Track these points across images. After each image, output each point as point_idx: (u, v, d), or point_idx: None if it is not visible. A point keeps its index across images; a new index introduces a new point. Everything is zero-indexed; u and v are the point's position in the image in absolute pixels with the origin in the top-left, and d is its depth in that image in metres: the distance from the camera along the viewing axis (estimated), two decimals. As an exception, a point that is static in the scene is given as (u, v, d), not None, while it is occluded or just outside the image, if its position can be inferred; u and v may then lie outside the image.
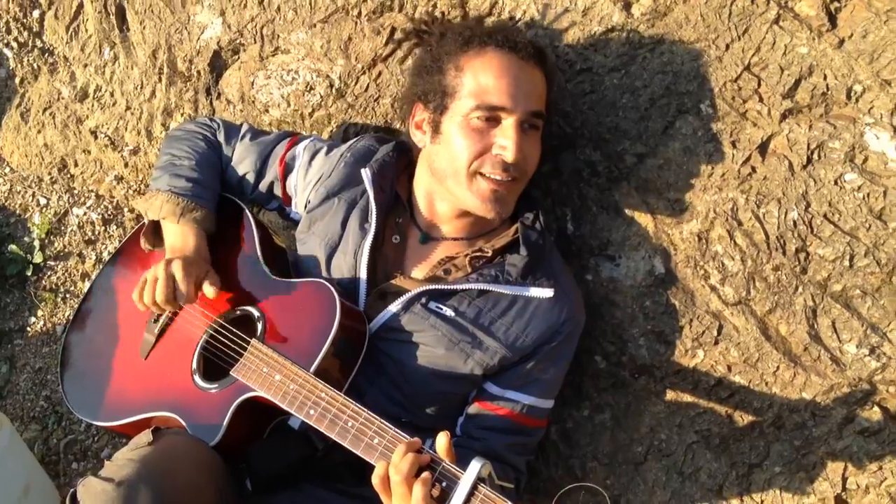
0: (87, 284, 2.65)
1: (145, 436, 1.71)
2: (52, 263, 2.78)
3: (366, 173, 1.89)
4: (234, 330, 1.84)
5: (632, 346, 2.03)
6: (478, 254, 1.86)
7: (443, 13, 2.13)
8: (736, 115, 1.89)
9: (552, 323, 1.84)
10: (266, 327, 1.81)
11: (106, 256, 2.75)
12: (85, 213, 2.80)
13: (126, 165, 2.74)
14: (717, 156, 1.91)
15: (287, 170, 2.03)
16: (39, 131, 2.87)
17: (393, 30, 2.23)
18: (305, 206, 1.99)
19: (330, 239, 1.90)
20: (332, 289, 1.76)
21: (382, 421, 1.58)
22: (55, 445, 2.59)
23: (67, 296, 2.75)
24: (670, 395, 2.03)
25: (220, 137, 2.08)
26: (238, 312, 1.88)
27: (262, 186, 2.06)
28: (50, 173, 2.88)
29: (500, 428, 1.87)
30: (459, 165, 1.78)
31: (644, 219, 2.00)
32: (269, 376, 1.71)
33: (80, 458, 2.56)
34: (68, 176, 2.87)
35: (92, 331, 2.03)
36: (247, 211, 2.00)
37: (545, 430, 2.00)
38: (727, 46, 1.89)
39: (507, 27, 1.92)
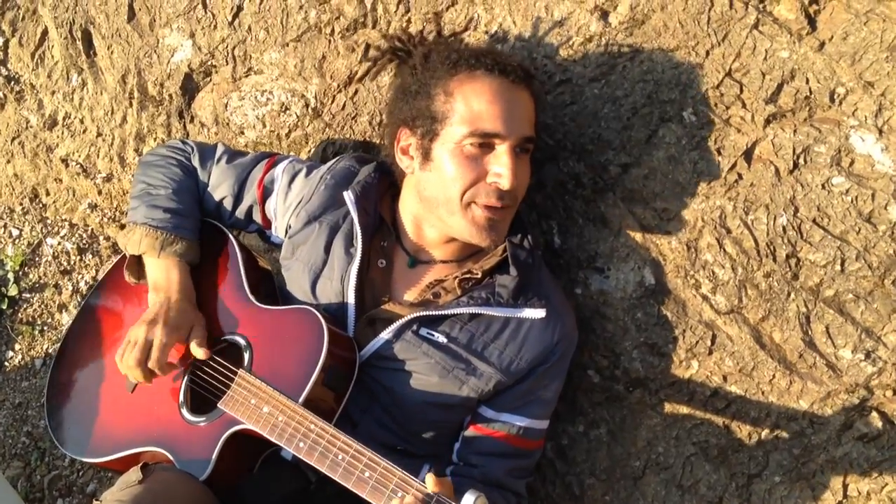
0: (66, 316, 2.62)
1: (134, 473, 1.70)
2: (28, 296, 2.75)
3: (348, 196, 1.87)
4: (221, 361, 1.82)
5: (625, 359, 2.02)
6: (467, 275, 1.85)
7: (420, 30, 2.12)
8: (720, 122, 1.89)
9: (547, 344, 1.83)
10: (253, 357, 1.79)
11: (83, 286, 2.72)
12: (59, 243, 2.77)
13: (100, 193, 2.71)
14: (703, 164, 1.91)
15: (266, 193, 2.01)
16: (9, 161, 2.83)
17: (367, 46, 2.21)
18: (287, 231, 1.97)
19: (314, 264, 1.89)
20: (320, 315, 1.74)
21: (373, 453, 1.57)
22: (39, 482, 2.56)
23: (45, 328, 2.72)
24: (666, 407, 2.03)
25: (195, 162, 2.05)
26: (225, 342, 1.86)
27: (241, 211, 2.03)
28: (21, 203, 2.85)
29: (498, 453, 1.86)
30: (453, 194, 1.75)
31: (632, 229, 2.00)
32: (258, 408, 1.70)
33: (66, 493, 2.53)
34: (40, 205, 2.84)
35: (77, 365, 2.00)
36: (230, 236, 1.98)
37: (542, 450, 1.99)
38: (707, 53, 1.89)
39: (494, 50, 1.89)
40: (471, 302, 1.79)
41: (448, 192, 1.75)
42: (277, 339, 1.79)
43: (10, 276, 2.75)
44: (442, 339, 1.79)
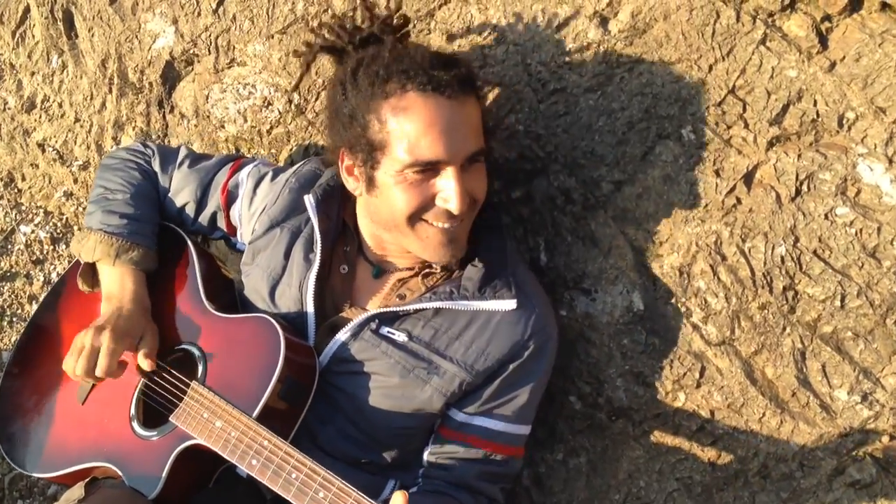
0: (33, 309, 2.56)
1: (77, 490, 1.65)
2: (-2, 285, 2.69)
3: (309, 200, 1.81)
4: (174, 372, 1.76)
5: (609, 387, 1.95)
6: (427, 269, 1.79)
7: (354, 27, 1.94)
8: (720, 142, 1.81)
9: (517, 338, 1.75)
10: (207, 368, 1.73)
11: (54, 277, 2.66)
12: (33, 231, 2.71)
13: (75, 181, 2.65)
14: (700, 185, 1.83)
15: (230, 199, 1.94)
16: (-16, 143, 2.77)
17: (315, 31, 2.07)
18: (251, 235, 1.91)
19: (273, 270, 1.83)
20: (276, 323, 1.68)
21: (328, 472, 1.52)
22: (-1, 481, 2.51)
23: (14, 319, 2.66)
24: (650, 439, 1.96)
25: (156, 166, 1.98)
26: (179, 352, 1.80)
27: (204, 218, 1.96)
28: (-4, 188, 2.79)
29: (470, 458, 1.79)
30: (401, 221, 1.67)
31: (622, 250, 1.92)
32: (210, 422, 1.64)
33: (26, 495, 2.48)
34: (16, 191, 2.78)
35: (28, 376, 1.94)
36: (189, 242, 1.91)
37: (521, 459, 1.89)
38: (710, 68, 1.80)
39: (426, 57, 1.68)
40: (433, 297, 1.73)
41: (397, 217, 1.68)
42: (233, 349, 1.73)
43: (-19, 263, 2.70)
44: (402, 337, 1.73)
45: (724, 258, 1.82)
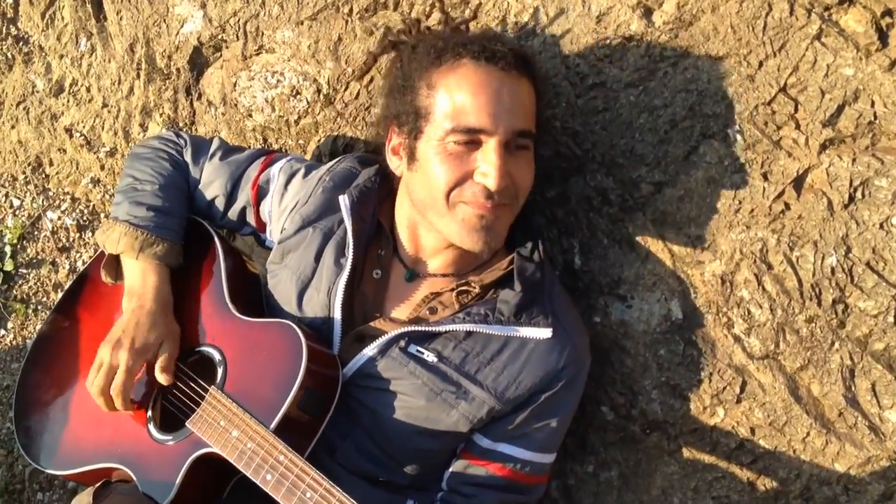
0: (58, 298, 2.56)
1: (86, 497, 1.63)
2: (24, 272, 2.69)
3: (343, 200, 1.76)
4: (193, 375, 1.73)
5: (643, 399, 1.89)
6: (464, 288, 1.73)
7: (446, 13, 1.96)
8: (768, 143, 1.73)
9: (550, 368, 1.70)
10: (227, 373, 1.70)
11: (80, 266, 2.66)
12: (59, 218, 2.71)
13: (102, 168, 2.64)
14: (746, 189, 1.76)
15: (261, 194, 1.91)
16: (13, 127, 2.77)
17: (387, 30, 2.08)
18: (281, 234, 1.87)
19: (302, 273, 1.78)
20: (299, 331, 1.64)
21: (342, 493, 1.48)
22: (20, 472, 2.52)
23: (39, 307, 2.66)
24: (685, 455, 1.90)
25: (188, 156, 1.95)
26: (198, 354, 1.77)
27: (233, 212, 1.93)
28: (24, 172, 2.78)
29: (492, 485, 1.74)
30: (438, 195, 1.63)
31: (661, 256, 1.86)
32: (226, 431, 1.61)
33: (46, 488, 2.49)
34: (43, 176, 2.78)
35: (49, 367, 1.93)
36: (216, 238, 1.88)
37: (546, 486, 1.86)
38: (760, 64, 1.72)
39: (487, 34, 1.74)
40: (467, 318, 1.68)
41: (434, 193, 1.64)
42: (254, 355, 1.69)
43: (8, 249, 2.70)
44: (432, 358, 1.68)
45: (770, 267, 1.75)
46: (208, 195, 1.93)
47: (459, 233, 1.65)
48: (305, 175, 1.89)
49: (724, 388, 1.81)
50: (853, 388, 1.71)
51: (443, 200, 1.63)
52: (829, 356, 1.72)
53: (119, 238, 1.81)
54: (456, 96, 1.60)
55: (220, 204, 1.93)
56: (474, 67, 1.61)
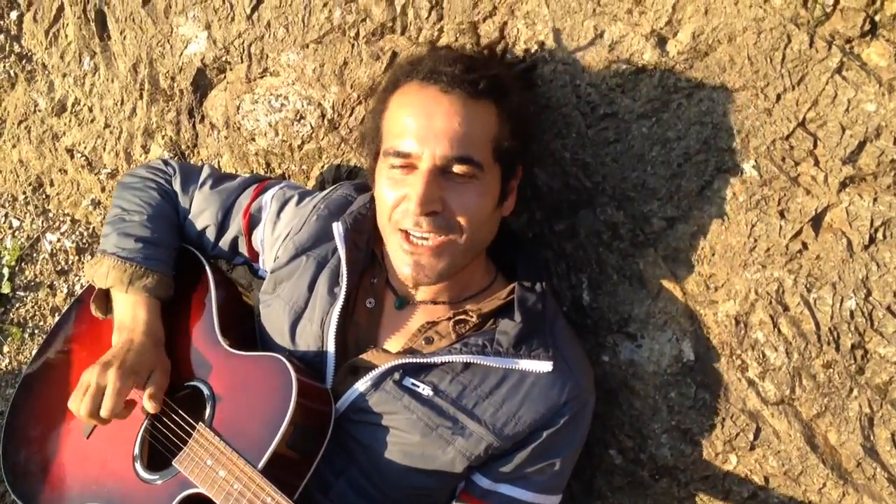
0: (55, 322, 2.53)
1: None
2: (22, 294, 2.67)
3: (337, 228, 1.73)
4: (180, 412, 1.69)
5: (652, 444, 1.84)
6: (461, 318, 1.69)
7: (456, 38, 1.93)
8: (786, 180, 1.68)
9: (552, 403, 1.65)
10: (215, 410, 1.66)
11: (78, 290, 2.63)
12: (59, 240, 2.69)
13: (103, 189, 2.62)
14: (762, 227, 1.70)
15: (252, 223, 1.87)
16: (14, 146, 2.76)
17: (394, 55, 2.05)
18: (273, 263, 1.83)
19: (295, 303, 1.75)
20: (289, 364, 1.60)
21: None
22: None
23: (36, 331, 2.64)
24: (696, 502, 1.84)
25: (177, 185, 1.93)
26: (187, 389, 1.73)
27: (225, 242, 1.90)
28: (24, 192, 2.77)
29: None
30: (384, 220, 1.63)
31: (673, 294, 1.81)
32: (213, 471, 1.57)
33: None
34: (43, 196, 2.76)
35: (37, 403, 1.91)
36: (208, 268, 1.85)
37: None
38: (778, 97, 1.67)
39: (446, 56, 1.66)
40: (464, 349, 1.63)
41: (382, 218, 1.64)
42: (243, 390, 1.66)
43: (6, 271, 2.68)
44: (427, 391, 1.63)
45: (786, 309, 1.69)
46: (199, 225, 1.90)
47: (395, 261, 1.63)
48: (299, 202, 1.86)
49: (738, 435, 1.76)
50: (872, 438, 1.65)
51: (388, 225, 1.62)
52: (847, 403, 1.67)
53: (107, 272, 1.78)
54: (397, 118, 1.59)
55: (210, 234, 1.90)
56: (417, 89, 1.59)
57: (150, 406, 1.66)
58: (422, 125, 1.55)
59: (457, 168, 1.56)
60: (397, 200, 1.58)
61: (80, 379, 1.67)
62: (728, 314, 1.75)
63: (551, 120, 1.87)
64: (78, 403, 1.64)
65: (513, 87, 1.70)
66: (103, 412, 1.63)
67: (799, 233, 1.68)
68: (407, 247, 1.59)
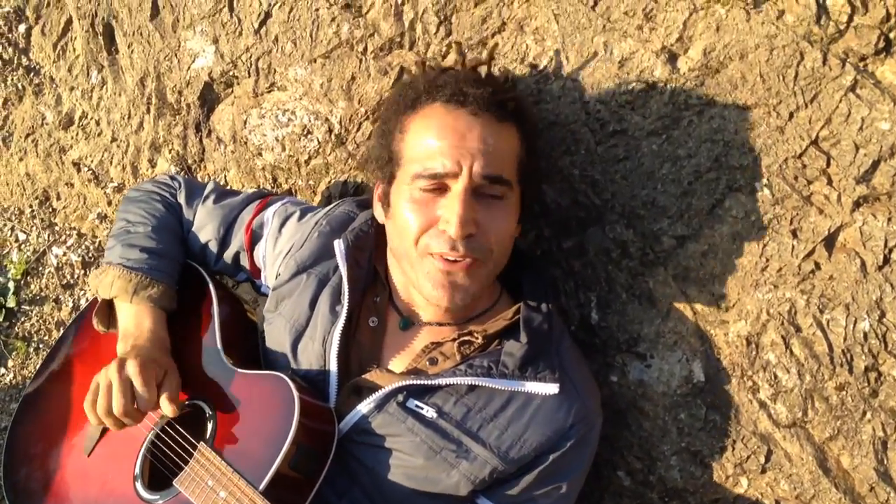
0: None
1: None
2: (27, 308, 2.66)
3: (338, 245, 1.72)
4: (181, 430, 1.68)
5: (662, 466, 1.81)
6: (466, 339, 1.67)
7: (463, 55, 1.92)
8: (798, 199, 1.66)
9: (558, 426, 1.62)
10: (217, 429, 1.64)
11: (83, 304, 2.62)
12: (65, 254, 2.68)
13: (109, 203, 2.61)
14: (774, 246, 1.69)
15: (254, 238, 1.86)
16: (21, 159, 2.76)
17: (402, 70, 2.04)
18: (275, 280, 1.82)
19: (296, 321, 1.73)
20: (291, 383, 1.58)
21: None
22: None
23: (41, 346, 2.63)
24: (706, 526, 1.81)
25: (181, 198, 1.92)
26: (189, 407, 1.71)
27: (227, 257, 1.89)
28: (31, 206, 2.77)
29: None
30: (408, 244, 1.59)
31: (683, 313, 1.78)
32: (214, 492, 1.55)
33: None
34: (50, 210, 2.76)
35: (38, 420, 1.89)
36: (211, 283, 1.83)
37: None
38: (791, 115, 1.66)
39: (466, 77, 1.67)
40: (469, 371, 1.61)
41: (404, 242, 1.60)
42: (245, 409, 1.64)
43: (11, 285, 2.67)
44: (431, 413, 1.61)
45: (798, 330, 1.67)
46: (201, 239, 1.89)
47: (425, 286, 1.60)
48: (300, 218, 1.84)
49: (749, 457, 1.73)
50: (885, 462, 1.63)
51: (413, 250, 1.59)
52: (860, 426, 1.64)
53: (112, 282, 1.77)
54: (422, 140, 1.57)
55: (213, 248, 1.89)
56: (444, 111, 1.58)
57: (168, 409, 1.61)
58: (455, 145, 1.53)
59: (490, 188, 1.56)
60: (426, 224, 1.56)
61: (91, 384, 1.63)
62: (739, 334, 1.73)
63: (560, 136, 1.86)
64: (105, 404, 1.58)
65: (529, 108, 1.74)
66: (142, 405, 1.58)
67: (812, 253, 1.66)
68: (442, 266, 1.56)
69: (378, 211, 1.73)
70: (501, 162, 1.57)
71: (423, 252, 1.57)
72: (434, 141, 1.55)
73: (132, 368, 1.60)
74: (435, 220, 1.55)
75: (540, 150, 1.73)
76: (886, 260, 1.60)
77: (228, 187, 2.01)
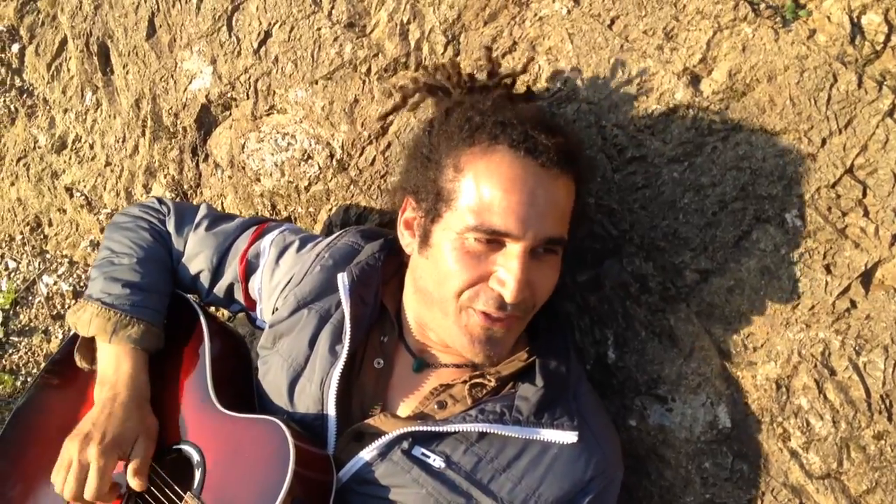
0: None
1: None
2: (15, 340, 2.59)
3: (342, 279, 1.63)
4: (167, 479, 1.58)
5: (684, 518, 1.71)
6: (478, 380, 1.57)
7: (469, 75, 1.84)
8: (832, 232, 1.58)
9: (576, 479, 1.52)
10: (206, 477, 1.55)
11: (73, 335, 2.55)
12: (55, 283, 2.61)
13: (102, 230, 2.54)
14: (806, 282, 1.60)
15: (249, 269, 1.78)
16: (13, 184, 2.70)
17: (416, 80, 1.95)
18: (273, 315, 1.73)
19: (294, 361, 1.64)
20: (286, 429, 1.49)
21: None
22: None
23: (29, 379, 2.55)
24: (732, 584, 1.71)
25: (170, 226, 1.83)
26: (176, 452, 1.62)
27: (220, 289, 1.80)
28: (22, 232, 2.70)
29: None
30: (447, 294, 1.49)
31: (707, 353, 1.70)
32: None
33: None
34: (41, 237, 2.69)
35: (16, 460, 1.80)
36: (202, 316, 1.74)
37: None
38: (824, 141, 1.58)
39: (531, 115, 1.57)
40: (480, 417, 1.51)
41: (443, 290, 1.50)
42: (236, 456, 1.54)
43: (-1, 315, 2.61)
44: (439, 463, 1.51)
45: (832, 373, 1.58)
46: (193, 269, 1.81)
47: (461, 340, 1.52)
48: (300, 248, 1.76)
49: (779, 511, 1.64)
50: (929, 518, 1.53)
51: (452, 300, 1.49)
52: (901, 479, 1.55)
53: (90, 319, 1.68)
54: (484, 189, 1.45)
55: (205, 279, 1.80)
56: (510, 159, 1.46)
57: (134, 483, 1.55)
58: (524, 203, 1.43)
59: (548, 247, 1.49)
60: (476, 279, 1.47)
61: (61, 449, 1.57)
62: (768, 377, 1.64)
63: (575, 163, 1.78)
64: (62, 483, 1.54)
65: (586, 155, 1.68)
66: (87, 494, 1.53)
67: (847, 290, 1.57)
68: (484, 323, 1.48)
69: (406, 239, 1.62)
70: (562, 221, 1.51)
71: (465, 305, 1.49)
72: (498, 193, 1.44)
73: (93, 454, 1.54)
74: (486, 276, 1.47)
75: (587, 194, 1.66)
76: (929, 298, 1.50)
77: (222, 211, 1.92)
